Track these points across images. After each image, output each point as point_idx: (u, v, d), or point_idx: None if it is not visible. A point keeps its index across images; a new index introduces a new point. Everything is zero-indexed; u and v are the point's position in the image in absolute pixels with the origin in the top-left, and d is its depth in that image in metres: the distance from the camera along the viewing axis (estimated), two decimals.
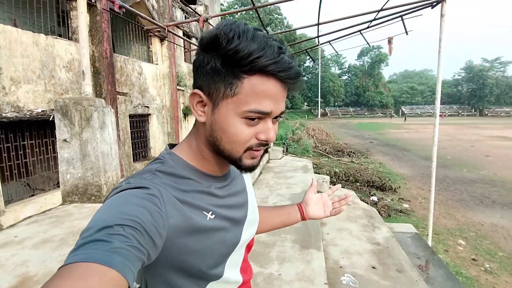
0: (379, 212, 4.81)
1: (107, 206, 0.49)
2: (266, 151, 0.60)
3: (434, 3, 3.87)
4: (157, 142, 7.13)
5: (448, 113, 49.00)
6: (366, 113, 51.72)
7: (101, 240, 0.41)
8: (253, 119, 0.54)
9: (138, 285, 0.60)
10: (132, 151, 6.23)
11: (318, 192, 0.94)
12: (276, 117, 0.57)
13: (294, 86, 0.55)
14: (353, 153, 12.82)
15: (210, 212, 0.59)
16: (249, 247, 0.75)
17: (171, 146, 0.66)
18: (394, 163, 11.23)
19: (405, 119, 42.05)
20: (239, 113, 0.53)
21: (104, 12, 4.82)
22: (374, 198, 6.69)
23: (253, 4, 4.50)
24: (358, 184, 7.85)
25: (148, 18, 4.91)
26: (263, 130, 0.56)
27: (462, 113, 51.98)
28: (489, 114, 49.99)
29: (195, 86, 0.58)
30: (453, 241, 4.78)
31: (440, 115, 4.10)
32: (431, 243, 4.10)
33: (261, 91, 0.52)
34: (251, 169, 0.60)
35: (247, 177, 0.77)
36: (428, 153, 12.66)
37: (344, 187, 6.95)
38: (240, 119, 0.54)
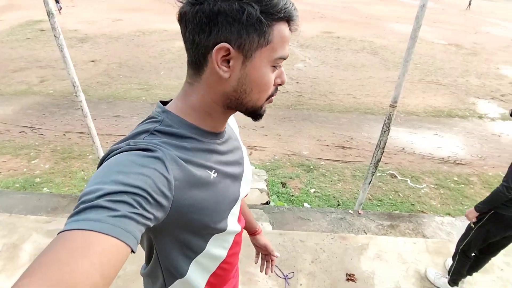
0: None
1: (107, 169, 0.45)
2: None
3: None
4: None
5: None
6: None
7: (103, 207, 0.39)
8: (278, 66, 0.56)
9: None
10: None
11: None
12: None
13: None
14: None
15: (213, 171, 0.60)
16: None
17: (163, 103, 0.61)
18: None
19: None
20: (271, 61, 0.54)
21: None
22: None
23: None
24: None
25: None
26: (279, 75, 0.58)
27: None
28: None
29: (214, 40, 0.50)
30: None
31: None
32: None
33: (285, 37, 0.54)
34: (263, 115, 0.62)
35: (238, 132, 0.78)
36: None
37: None
38: (271, 67, 0.55)
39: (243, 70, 0.53)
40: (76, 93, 2.44)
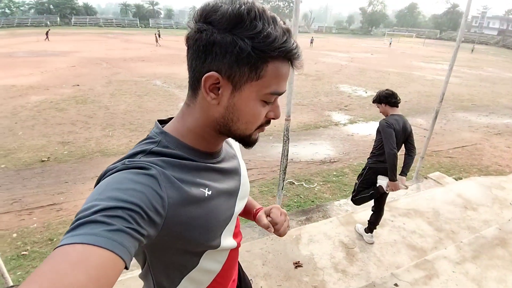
0: None
1: (104, 186, 0.46)
2: None
3: None
4: None
5: None
6: None
7: (99, 222, 0.40)
8: (270, 100, 0.57)
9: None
10: None
11: None
12: None
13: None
14: None
15: (207, 188, 0.59)
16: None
17: (161, 122, 0.63)
18: None
19: None
20: (261, 95, 0.55)
21: None
22: None
23: None
24: None
25: None
26: (273, 109, 0.59)
27: None
28: None
29: (207, 67, 0.52)
30: None
31: None
32: None
33: (281, 74, 0.54)
34: (254, 143, 0.62)
35: (238, 150, 0.77)
36: None
37: None
38: (259, 101, 0.56)
39: (231, 99, 0.54)
40: None
